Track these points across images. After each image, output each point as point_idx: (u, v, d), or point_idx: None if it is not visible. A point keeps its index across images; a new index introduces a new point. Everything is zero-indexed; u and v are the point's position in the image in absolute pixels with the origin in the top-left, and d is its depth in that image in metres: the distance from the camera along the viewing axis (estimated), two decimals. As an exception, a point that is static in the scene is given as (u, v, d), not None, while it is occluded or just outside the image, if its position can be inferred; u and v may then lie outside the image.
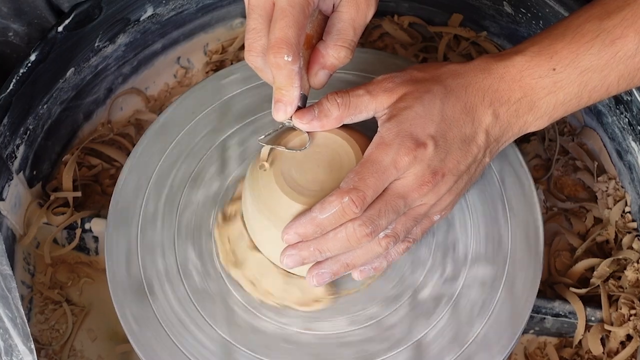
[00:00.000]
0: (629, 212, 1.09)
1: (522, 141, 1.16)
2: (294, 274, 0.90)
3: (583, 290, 1.03)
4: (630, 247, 1.06)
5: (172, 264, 0.95)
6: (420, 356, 0.89)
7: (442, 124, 0.82)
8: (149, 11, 1.16)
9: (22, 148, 1.07)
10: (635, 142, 1.04)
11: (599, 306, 1.02)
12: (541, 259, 0.95)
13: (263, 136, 0.86)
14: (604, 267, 1.04)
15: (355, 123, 0.85)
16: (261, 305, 0.92)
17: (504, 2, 1.16)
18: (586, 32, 0.83)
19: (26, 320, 0.86)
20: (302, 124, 0.82)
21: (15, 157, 1.06)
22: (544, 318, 1.03)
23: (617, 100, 1.05)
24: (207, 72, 1.24)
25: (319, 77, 0.84)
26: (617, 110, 1.06)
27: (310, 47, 0.83)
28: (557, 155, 1.15)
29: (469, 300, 0.92)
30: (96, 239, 1.08)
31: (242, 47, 1.21)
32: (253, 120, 1.03)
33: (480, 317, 0.91)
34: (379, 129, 0.82)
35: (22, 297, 1.03)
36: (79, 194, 1.11)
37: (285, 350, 0.90)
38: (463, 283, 0.93)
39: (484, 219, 0.97)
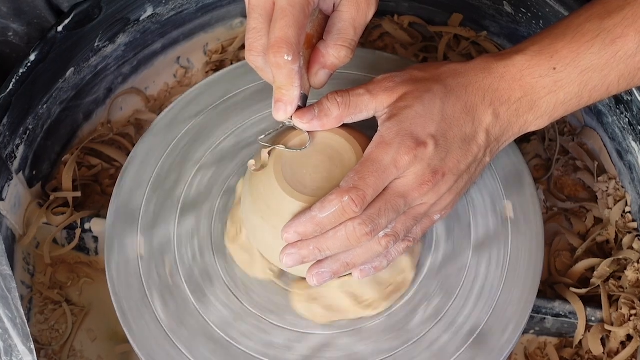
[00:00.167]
0: (629, 212, 1.09)
1: (523, 141, 1.16)
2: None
3: (583, 291, 1.03)
4: (631, 247, 1.06)
5: (172, 266, 0.95)
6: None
7: (442, 124, 0.81)
8: (149, 11, 1.16)
9: (21, 148, 1.07)
10: (636, 142, 1.04)
11: (599, 306, 1.02)
12: (541, 259, 0.95)
13: (263, 136, 0.85)
14: (604, 267, 1.04)
15: (355, 122, 0.85)
16: None
17: (504, 2, 1.16)
18: (587, 32, 0.83)
19: (26, 321, 0.86)
20: (302, 123, 0.82)
21: (15, 157, 1.06)
22: (544, 318, 1.02)
23: (618, 100, 1.05)
24: (207, 72, 1.24)
25: (320, 76, 0.84)
26: (618, 110, 1.06)
27: (310, 46, 0.83)
28: (558, 155, 1.15)
29: (470, 297, 0.92)
30: (96, 239, 1.08)
31: (242, 47, 1.22)
32: (252, 120, 1.03)
33: (482, 314, 0.91)
34: (379, 128, 0.82)
35: (21, 297, 1.03)
36: (78, 194, 1.11)
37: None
38: (464, 280, 0.93)
39: (484, 218, 0.97)
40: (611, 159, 1.12)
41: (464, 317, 0.91)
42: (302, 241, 0.81)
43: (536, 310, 1.01)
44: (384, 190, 0.80)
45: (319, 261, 0.82)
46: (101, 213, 1.10)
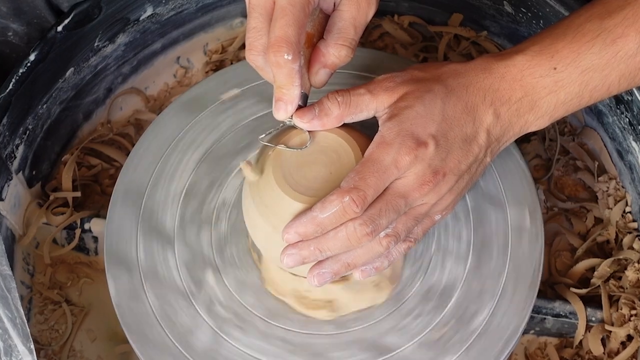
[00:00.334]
0: (630, 212, 1.09)
1: (523, 141, 1.16)
2: (295, 274, 0.90)
3: (583, 291, 1.03)
4: (631, 247, 1.06)
5: (172, 265, 0.94)
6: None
7: (443, 124, 0.81)
8: (149, 11, 1.15)
9: (21, 148, 1.07)
10: (636, 142, 1.04)
11: (599, 306, 1.02)
12: (542, 259, 0.95)
13: (264, 135, 0.85)
14: (604, 267, 1.04)
15: (355, 122, 0.84)
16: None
17: (504, 2, 1.16)
18: (587, 32, 0.83)
19: (26, 321, 0.86)
20: (302, 122, 0.82)
21: (15, 157, 1.06)
22: (545, 318, 1.02)
23: (618, 100, 1.05)
24: (206, 72, 1.24)
25: (320, 75, 0.84)
26: (618, 110, 1.06)
27: (311, 45, 0.83)
28: (558, 155, 1.15)
29: (471, 297, 0.92)
30: (96, 239, 1.08)
31: (242, 47, 1.22)
32: (252, 120, 1.03)
33: (482, 314, 0.91)
34: (379, 128, 0.82)
35: (21, 298, 1.02)
36: (78, 194, 1.11)
37: (285, 349, 0.90)
38: (464, 280, 0.93)
39: (484, 218, 0.97)
40: (611, 159, 1.12)
41: (464, 316, 0.91)
42: (302, 242, 0.81)
43: (536, 310, 1.01)
44: (384, 190, 0.80)
45: (320, 262, 0.82)
46: (101, 213, 1.10)
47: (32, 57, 1.04)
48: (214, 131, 1.02)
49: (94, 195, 1.15)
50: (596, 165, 1.13)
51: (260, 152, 0.88)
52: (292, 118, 0.82)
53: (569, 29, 0.84)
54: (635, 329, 1.00)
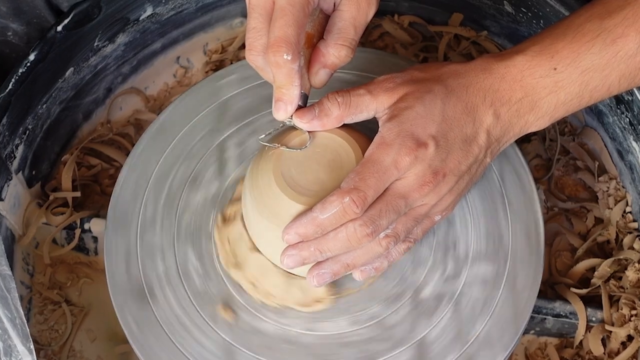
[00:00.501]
0: (630, 212, 1.09)
1: (523, 141, 1.16)
2: (294, 274, 0.90)
3: (584, 291, 1.03)
4: (631, 248, 1.06)
5: (172, 266, 0.94)
6: (422, 355, 0.89)
7: (443, 124, 0.81)
8: (149, 11, 1.15)
9: (21, 148, 1.07)
10: (636, 142, 1.04)
11: (599, 306, 1.02)
12: (542, 259, 0.95)
13: (263, 135, 0.85)
14: (604, 267, 1.04)
15: (355, 123, 0.84)
16: (262, 307, 0.91)
17: (505, 2, 1.16)
18: (587, 32, 0.83)
19: (25, 321, 0.86)
20: (302, 123, 0.82)
21: (15, 157, 1.06)
22: (545, 318, 1.02)
23: (618, 100, 1.05)
24: (206, 72, 1.24)
25: (320, 76, 0.84)
26: (618, 110, 1.06)
27: (311, 46, 0.83)
28: (558, 155, 1.15)
29: (471, 299, 0.92)
30: (95, 239, 1.08)
31: (242, 47, 1.21)
32: (251, 120, 1.03)
33: (482, 316, 0.91)
34: (379, 128, 0.82)
35: (21, 298, 1.02)
36: (78, 194, 1.11)
37: (287, 351, 0.89)
38: (464, 282, 0.93)
39: (484, 218, 0.97)
40: (612, 159, 1.12)
41: (465, 316, 0.91)
42: (302, 242, 0.81)
43: (537, 310, 1.01)
44: (384, 191, 0.80)
45: (320, 262, 0.82)
46: (101, 213, 1.10)
47: (31, 57, 1.04)
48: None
49: (94, 195, 1.15)
50: (596, 165, 1.13)
51: (260, 153, 0.88)
52: (291, 118, 0.82)
53: (569, 29, 0.84)
54: (635, 329, 1.00)
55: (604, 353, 1.02)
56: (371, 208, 0.79)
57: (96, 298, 1.08)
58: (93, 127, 1.19)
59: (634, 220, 1.08)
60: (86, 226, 1.07)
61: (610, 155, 1.12)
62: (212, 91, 1.05)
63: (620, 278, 1.05)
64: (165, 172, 1.00)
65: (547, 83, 0.84)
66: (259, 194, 0.85)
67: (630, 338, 1.01)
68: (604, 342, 1.02)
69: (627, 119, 1.04)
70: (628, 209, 1.09)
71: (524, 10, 1.14)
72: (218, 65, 1.23)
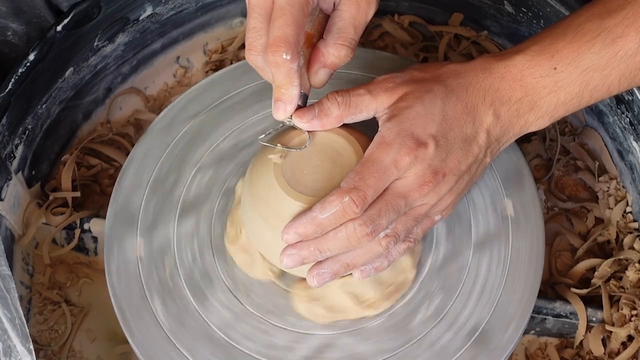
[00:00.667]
0: (630, 212, 1.09)
1: (523, 141, 1.16)
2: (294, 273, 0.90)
3: (584, 291, 1.03)
4: (632, 248, 1.06)
5: (172, 267, 0.94)
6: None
7: (443, 124, 0.81)
8: (148, 10, 1.15)
9: (20, 148, 1.07)
10: (637, 142, 1.04)
11: (600, 307, 1.02)
12: (542, 259, 0.95)
13: (263, 135, 0.85)
14: (605, 267, 1.04)
15: (355, 123, 0.84)
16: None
17: (505, 2, 1.16)
18: (587, 31, 0.83)
19: (25, 321, 0.86)
20: (302, 122, 0.82)
21: (14, 157, 1.06)
22: (545, 319, 1.02)
23: (618, 99, 1.05)
24: (206, 72, 1.24)
25: (320, 75, 0.84)
26: (618, 110, 1.06)
27: (311, 45, 0.83)
28: (558, 155, 1.15)
29: (471, 297, 0.92)
30: (95, 239, 1.08)
31: (242, 47, 1.21)
32: (252, 120, 1.03)
33: (483, 314, 0.91)
34: (379, 128, 0.81)
35: (21, 298, 1.02)
36: (78, 194, 1.11)
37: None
38: (465, 280, 0.93)
39: (484, 218, 0.96)
40: (612, 159, 1.12)
41: (465, 317, 0.91)
42: (302, 242, 0.80)
43: (537, 310, 1.01)
44: (384, 190, 0.80)
45: (320, 262, 0.82)
46: (100, 213, 1.10)
47: (31, 57, 1.04)
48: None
49: (94, 196, 1.14)
50: (597, 165, 1.13)
51: (259, 152, 0.88)
52: (291, 118, 0.82)
53: (569, 28, 0.84)
54: (635, 329, 1.00)
55: (604, 353, 1.02)
56: (371, 208, 0.79)
57: (96, 298, 1.08)
58: (93, 127, 1.19)
59: (634, 220, 1.08)
60: (86, 226, 1.07)
61: (610, 155, 1.12)
62: (213, 91, 1.05)
63: (620, 278, 1.05)
64: (165, 172, 1.00)
65: (547, 83, 0.84)
66: (259, 194, 0.85)
67: (630, 338, 1.01)
68: (604, 342, 1.02)
69: (628, 119, 1.04)
70: (628, 209, 1.09)
71: (524, 10, 1.14)
72: (218, 65, 1.23)
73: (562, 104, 0.85)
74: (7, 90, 1.01)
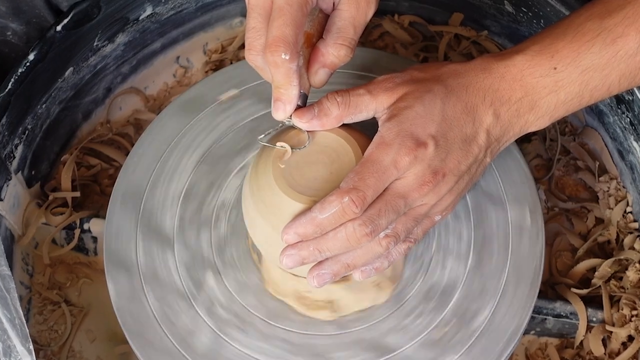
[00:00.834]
0: (631, 213, 1.09)
1: (523, 141, 1.16)
2: (295, 274, 0.90)
3: (584, 291, 1.03)
4: (632, 248, 1.05)
5: (172, 268, 0.94)
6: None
7: (442, 124, 0.81)
8: (148, 10, 1.15)
9: (20, 148, 1.07)
10: (637, 142, 1.04)
11: (600, 307, 1.02)
12: (542, 259, 0.95)
13: (263, 135, 0.85)
14: (605, 267, 1.04)
15: (355, 123, 0.84)
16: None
17: (505, 1, 1.16)
18: (587, 31, 0.83)
19: (25, 321, 0.86)
20: (301, 122, 0.82)
21: (14, 157, 1.06)
22: (545, 319, 1.02)
23: (619, 99, 1.05)
24: (206, 72, 1.24)
25: (319, 75, 0.83)
26: (619, 110, 1.06)
27: (310, 45, 0.83)
28: (559, 155, 1.15)
29: (471, 297, 0.92)
30: (95, 239, 1.08)
31: (242, 47, 1.21)
32: (250, 121, 1.03)
33: (483, 314, 0.91)
34: (379, 128, 0.81)
35: (20, 298, 1.02)
36: (77, 194, 1.11)
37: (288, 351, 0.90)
38: (465, 280, 0.93)
39: (484, 218, 0.96)
40: (612, 159, 1.12)
41: (465, 317, 0.91)
42: (302, 242, 0.80)
43: (537, 310, 1.01)
44: (384, 191, 0.80)
45: (319, 262, 0.82)
46: (100, 213, 1.10)
47: (31, 57, 1.04)
48: (212, 132, 1.02)
49: (93, 196, 1.14)
50: (597, 165, 1.13)
51: (259, 152, 0.88)
52: (291, 118, 0.82)
53: (569, 28, 0.84)
54: (636, 329, 1.00)
55: (605, 353, 1.02)
56: (370, 208, 0.79)
57: (96, 298, 1.08)
58: (92, 127, 1.19)
59: (635, 221, 1.08)
60: (85, 226, 1.07)
61: (610, 155, 1.12)
62: (212, 91, 1.05)
63: (620, 278, 1.04)
64: (165, 171, 1.00)
65: (547, 82, 0.84)
66: (259, 194, 0.85)
67: (630, 338, 1.01)
68: (604, 342, 1.02)
69: (628, 119, 1.04)
70: (629, 209, 1.09)
71: (524, 9, 1.14)
72: (218, 65, 1.23)
73: (562, 103, 0.85)
74: (6, 90, 1.01)
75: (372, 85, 0.83)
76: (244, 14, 1.23)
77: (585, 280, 1.06)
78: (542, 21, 1.12)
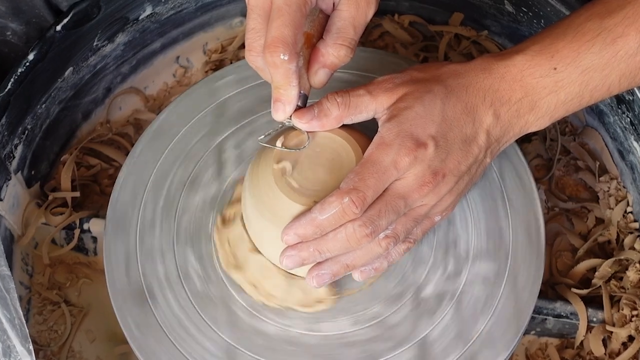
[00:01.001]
0: (631, 213, 1.09)
1: (524, 141, 1.16)
2: (295, 275, 0.90)
3: (585, 291, 1.03)
4: (632, 248, 1.05)
5: (172, 269, 0.94)
6: (425, 354, 0.89)
7: (442, 124, 0.81)
8: (148, 10, 1.15)
9: (20, 148, 1.07)
10: (637, 142, 1.04)
11: (600, 307, 1.02)
12: (542, 259, 0.95)
13: (263, 136, 0.85)
14: (605, 267, 1.04)
15: (355, 123, 0.84)
16: (263, 308, 0.91)
17: (505, 1, 1.15)
18: (587, 31, 0.83)
19: (24, 321, 0.86)
20: (301, 123, 0.82)
21: (14, 157, 1.06)
22: (546, 319, 1.02)
23: (619, 99, 1.05)
24: (206, 72, 1.23)
25: (319, 76, 0.83)
26: (619, 110, 1.05)
27: (310, 46, 0.83)
28: (559, 155, 1.15)
29: (472, 298, 0.92)
30: (95, 239, 1.08)
31: (242, 46, 1.21)
32: (249, 121, 1.03)
33: (483, 316, 0.91)
34: (379, 129, 0.81)
35: (20, 298, 1.02)
36: (77, 194, 1.11)
37: (288, 352, 0.89)
38: (465, 280, 0.93)
39: (485, 218, 0.96)
40: (613, 159, 1.11)
41: (465, 317, 0.91)
42: (302, 243, 0.80)
43: (537, 310, 1.01)
44: (384, 191, 0.80)
45: (319, 263, 0.82)
46: (100, 213, 1.10)
47: (30, 57, 1.04)
48: None
49: (93, 196, 1.14)
50: (597, 165, 1.12)
51: (259, 153, 0.88)
52: (291, 119, 0.82)
53: (569, 28, 0.84)
54: (636, 329, 1.00)
55: (605, 353, 1.02)
56: (370, 208, 0.79)
57: (95, 298, 1.08)
58: (92, 127, 1.19)
59: (635, 221, 1.08)
60: (85, 226, 1.07)
61: (611, 155, 1.12)
62: (210, 92, 1.05)
63: (621, 278, 1.04)
64: (164, 173, 1.00)
65: (547, 83, 0.84)
66: (259, 195, 0.85)
67: (631, 338, 1.01)
68: (604, 342, 1.02)
69: (628, 119, 1.04)
70: (629, 209, 1.09)
71: (524, 9, 1.13)
72: (218, 65, 1.23)
73: (562, 104, 0.85)
74: (6, 90, 1.01)
75: (372, 85, 0.83)
76: (244, 14, 1.23)
77: (585, 281, 1.06)
78: (542, 21, 1.12)
